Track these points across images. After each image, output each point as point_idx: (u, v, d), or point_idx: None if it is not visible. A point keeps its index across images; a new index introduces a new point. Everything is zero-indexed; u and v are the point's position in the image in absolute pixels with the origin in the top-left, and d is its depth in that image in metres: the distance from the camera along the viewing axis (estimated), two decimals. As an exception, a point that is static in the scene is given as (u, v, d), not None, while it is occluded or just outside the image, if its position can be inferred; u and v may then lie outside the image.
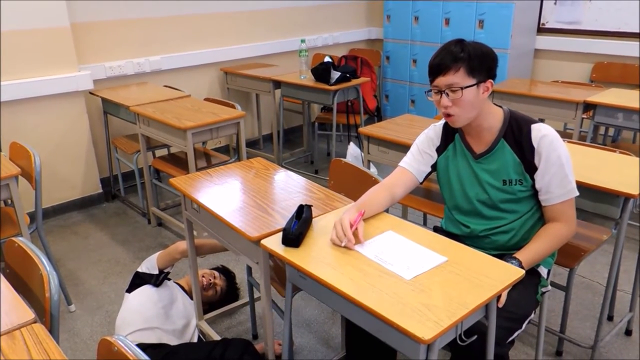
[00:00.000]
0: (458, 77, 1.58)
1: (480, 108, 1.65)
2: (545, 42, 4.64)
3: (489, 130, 1.70)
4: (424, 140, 1.85)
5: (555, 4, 4.52)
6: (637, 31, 4.08)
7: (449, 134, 1.81)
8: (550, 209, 1.70)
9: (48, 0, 3.32)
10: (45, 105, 3.49)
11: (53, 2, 3.35)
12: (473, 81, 1.59)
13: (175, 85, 3.94)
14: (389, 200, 1.76)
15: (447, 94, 1.61)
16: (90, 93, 3.69)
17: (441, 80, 1.61)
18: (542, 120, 3.65)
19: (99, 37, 3.78)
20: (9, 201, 2.61)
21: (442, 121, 1.81)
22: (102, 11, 3.75)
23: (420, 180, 1.84)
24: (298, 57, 3.97)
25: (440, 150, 1.82)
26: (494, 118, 1.70)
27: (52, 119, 3.54)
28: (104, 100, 3.68)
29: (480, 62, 1.60)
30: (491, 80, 1.64)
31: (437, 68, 1.62)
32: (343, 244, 1.50)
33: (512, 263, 1.52)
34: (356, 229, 1.53)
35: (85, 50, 3.70)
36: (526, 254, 1.63)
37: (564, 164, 1.64)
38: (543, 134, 1.64)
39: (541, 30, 4.65)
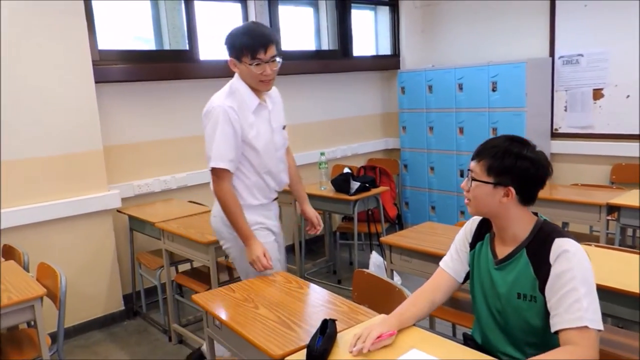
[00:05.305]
0: (478, 168, 1.61)
1: (497, 211, 1.61)
2: (560, 146, 4.71)
3: (513, 238, 1.63)
4: (461, 237, 1.82)
5: (565, 110, 4.66)
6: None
7: (482, 231, 1.76)
8: (560, 336, 1.45)
9: (85, 126, 3.52)
10: (74, 225, 3.57)
11: (89, 128, 3.54)
12: (489, 179, 1.59)
13: (200, 200, 4.04)
14: (428, 307, 1.72)
15: (469, 178, 1.65)
16: (118, 211, 3.80)
17: (470, 164, 1.66)
18: (566, 225, 3.66)
19: (128, 157, 3.97)
20: (32, 322, 2.59)
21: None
22: (131, 133, 3.96)
23: (461, 282, 1.79)
24: (318, 169, 4.09)
25: (472, 246, 1.78)
26: (521, 227, 1.62)
27: (80, 238, 3.61)
28: (130, 217, 3.78)
29: (503, 165, 1.57)
30: (512, 189, 1.57)
31: (475, 152, 1.66)
32: (354, 350, 1.51)
33: None
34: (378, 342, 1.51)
35: (114, 170, 3.86)
36: None
37: (578, 287, 1.44)
38: (564, 249, 1.49)
39: (555, 135, 4.75)
